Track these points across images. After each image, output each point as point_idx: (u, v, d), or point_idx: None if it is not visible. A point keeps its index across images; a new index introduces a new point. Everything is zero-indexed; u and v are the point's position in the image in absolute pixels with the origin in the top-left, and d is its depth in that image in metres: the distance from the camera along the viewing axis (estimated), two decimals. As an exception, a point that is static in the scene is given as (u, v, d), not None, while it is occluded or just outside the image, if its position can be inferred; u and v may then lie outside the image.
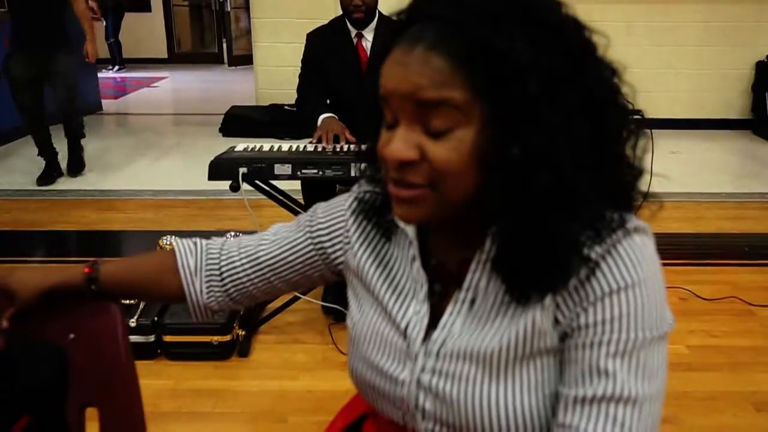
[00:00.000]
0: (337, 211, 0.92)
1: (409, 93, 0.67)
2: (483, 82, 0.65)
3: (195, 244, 0.99)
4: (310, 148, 2.48)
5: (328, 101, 2.84)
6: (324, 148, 2.47)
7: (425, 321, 0.80)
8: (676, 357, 2.32)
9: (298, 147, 2.49)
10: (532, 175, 0.65)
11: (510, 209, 0.68)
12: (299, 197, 2.73)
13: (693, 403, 2.13)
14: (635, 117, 0.73)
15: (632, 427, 0.68)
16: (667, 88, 6.17)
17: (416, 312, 0.81)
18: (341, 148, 2.47)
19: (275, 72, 6.04)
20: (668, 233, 3.63)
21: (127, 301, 2.32)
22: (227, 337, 2.39)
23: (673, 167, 4.87)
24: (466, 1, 0.66)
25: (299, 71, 2.93)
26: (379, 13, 2.82)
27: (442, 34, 0.66)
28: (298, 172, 2.31)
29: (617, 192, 0.73)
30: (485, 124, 0.66)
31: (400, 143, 0.69)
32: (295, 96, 2.94)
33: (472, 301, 0.77)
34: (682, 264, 3.21)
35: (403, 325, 0.81)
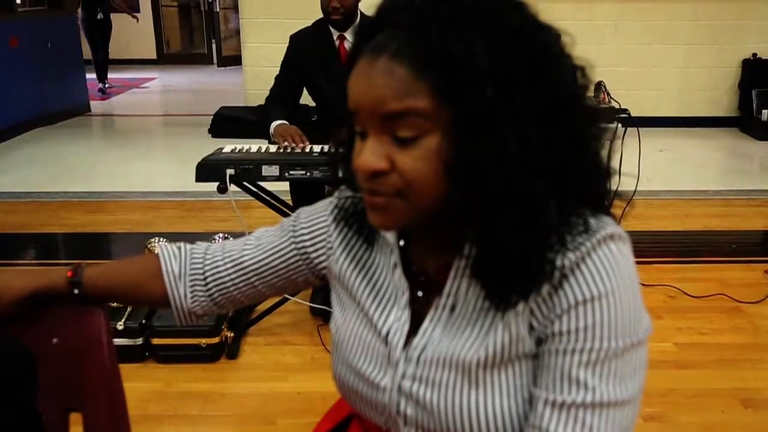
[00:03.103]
0: (319, 216, 0.93)
1: (374, 106, 0.68)
2: (445, 89, 0.65)
3: (179, 248, 0.98)
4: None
5: (304, 103, 2.84)
6: (302, 148, 2.47)
7: (406, 327, 0.80)
8: (664, 354, 2.32)
9: (285, 148, 2.48)
10: (483, 182, 0.66)
11: (473, 215, 0.69)
12: (288, 198, 2.73)
13: (681, 401, 2.14)
14: (602, 114, 0.73)
15: (602, 431, 0.68)
16: (654, 87, 6.21)
17: (397, 318, 0.81)
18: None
19: (264, 72, 5.98)
20: (656, 231, 3.65)
21: (115, 304, 2.31)
22: (216, 340, 2.39)
23: (660, 165, 4.90)
24: (426, 8, 0.66)
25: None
26: (361, 14, 2.81)
27: (403, 43, 0.66)
28: (286, 174, 2.30)
29: (587, 194, 0.73)
30: (448, 130, 0.67)
31: (369, 154, 0.70)
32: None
33: (453, 308, 0.78)
34: (669, 262, 3.21)
35: (384, 331, 0.81)
